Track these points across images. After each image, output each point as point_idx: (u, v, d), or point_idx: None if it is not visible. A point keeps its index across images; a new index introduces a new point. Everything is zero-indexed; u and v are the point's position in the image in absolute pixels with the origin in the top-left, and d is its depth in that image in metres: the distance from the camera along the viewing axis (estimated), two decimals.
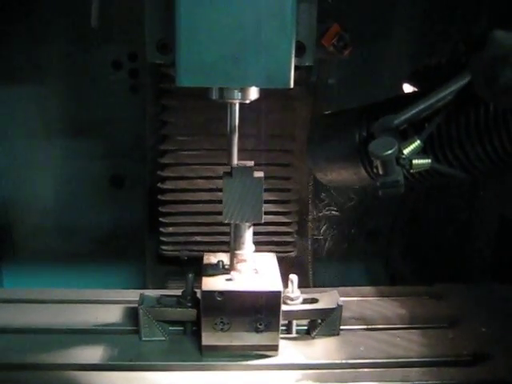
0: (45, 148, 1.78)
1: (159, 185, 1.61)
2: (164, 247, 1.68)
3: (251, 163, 1.28)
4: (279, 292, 1.29)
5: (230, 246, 1.33)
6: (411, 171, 1.12)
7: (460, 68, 1.07)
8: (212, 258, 1.39)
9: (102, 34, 1.37)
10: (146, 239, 1.75)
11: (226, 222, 1.29)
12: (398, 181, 1.08)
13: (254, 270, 1.34)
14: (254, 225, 1.58)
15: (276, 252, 1.63)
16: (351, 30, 1.22)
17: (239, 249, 1.32)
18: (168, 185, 1.61)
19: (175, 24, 1.04)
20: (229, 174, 1.26)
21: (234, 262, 1.33)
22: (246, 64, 1.06)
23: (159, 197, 1.62)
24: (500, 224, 1.83)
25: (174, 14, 1.03)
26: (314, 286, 1.79)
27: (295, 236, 1.72)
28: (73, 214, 1.83)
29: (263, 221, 1.60)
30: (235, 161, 1.28)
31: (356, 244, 1.97)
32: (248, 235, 1.32)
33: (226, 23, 1.03)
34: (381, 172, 1.10)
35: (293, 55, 1.08)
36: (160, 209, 1.63)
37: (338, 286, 1.85)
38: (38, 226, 1.84)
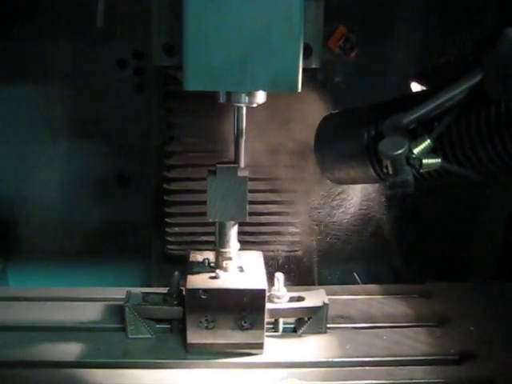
0: (49, 147, 1.78)
1: (165, 186, 1.61)
2: (170, 246, 1.68)
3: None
4: (263, 290, 1.29)
5: (215, 243, 1.34)
6: (421, 171, 1.11)
7: (468, 67, 1.05)
8: (198, 256, 1.39)
9: (107, 32, 1.36)
10: (152, 238, 1.76)
11: (211, 220, 1.29)
12: (407, 180, 1.07)
13: (239, 267, 1.35)
14: (260, 226, 1.62)
15: (282, 251, 1.69)
16: (357, 31, 1.21)
17: (224, 247, 1.32)
18: (174, 186, 1.61)
19: (183, 28, 1.04)
20: (213, 173, 1.26)
21: (219, 259, 1.33)
22: (254, 68, 1.06)
23: (165, 197, 1.62)
24: (507, 223, 1.82)
25: (182, 18, 1.04)
26: (319, 285, 1.77)
27: (301, 235, 1.72)
28: (78, 213, 1.83)
29: (269, 221, 1.65)
30: (242, 163, 1.29)
31: (360, 243, 1.96)
32: (233, 233, 1.32)
33: (234, 27, 1.04)
34: (391, 172, 1.09)
35: (300, 59, 1.07)
36: (166, 209, 1.63)
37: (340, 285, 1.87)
38: (43, 224, 1.84)
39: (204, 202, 1.56)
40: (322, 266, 1.83)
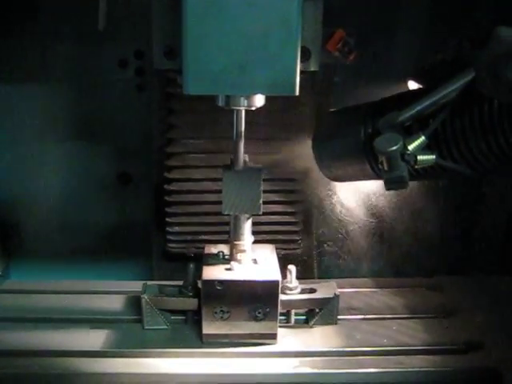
0: (52, 147, 1.76)
1: (166, 186, 1.63)
2: (170, 245, 1.70)
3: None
4: (277, 281, 1.32)
5: (230, 236, 1.37)
6: (416, 167, 1.13)
7: (465, 65, 1.08)
8: (212, 249, 1.43)
9: (108, 33, 1.36)
10: (153, 236, 1.77)
11: (226, 213, 1.32)
12: (402, 176, 1.10)
13: (253, 260, 1.38)
14: (261, 225, 1.62)
15: (282, 249, 1.67)
16: (356, 31, 1.23)
17: (238, 239, 1.36)
18: (174, 186, 1.62)
19: (182, 33, 1.06)
20: (228, 167, 1.30)
21: (234, 252, 1.37)
22: (252, 72, 1.07)
23: (166, 198, 1.64)
24: (508, 222, 1.84)
25: (182, 23, 1.06)
26: None
27: (301, 234, 1.74)
28: (80, 212, 1.83)
29: (270, 220, 1.64)
30: (241, 166, 1.32)
31: (360, 242, 1.97)
32: (247, 226, 1.36)
33: (233, 32, 1.05)
34: (386, 168, 1.11)
35: (298, 63, 1.09)
36: (166, 209, 1.65)
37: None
38: (46, 223, 1.83)
39: (203, 202, 1.61)
40: (322, 265, 1.85)
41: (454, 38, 1.55)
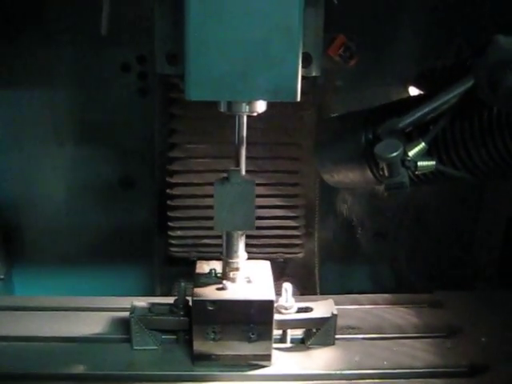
0: (55, 151, 1.79)
1: (168, 190, 1.63)
2: (173, 249, 1.70)
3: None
4: (271, 301, 1.27)
5: (223, 254, 1.32)
6: (416, 173, 1.14)
7: (465, 71, 1.07)
8: (205, 267, 1.37)
9: (111, 37, 1.37)
10: (155, 241, 1.77)
11: (218, 230, 1.27)
12: (403, 182, 1.10)
13: (246, 278, 1.33)
14: (263, 229, 1.62)
15: (284, 253, 1.71)
16: (357, 37, 1.25)
17: (231, 257, 1.31)
18: (176, 191, 1.63)
19: (185, 39, 1.05)
20: (220, 182, 1.25)
21: (227, 270, 1.32)
22: (254, 78, 1.07)
23: (168, 202, 1.64)
24: (507, 226, 1.83)
25: (184, 28, 1.05)
26: (321, 288, 1.81)
27: (302, 238, 1.73)
28: (82, 216, 1.84)
29: (271, 225, 1.65)
30: (243, 171, 1.29)
31: (362, 246, 1.96)
32: (241, 243, 1.30)
33: (234, 38, 1.05)
34: (386, 174, 1.11)
35: (299, 69, 1.09)
36: (169, 213, 1.65)
37: (343, 289, 1.88)
38: (49, 227, 1.85)
39: (206, 207, 1.61)
40: (324, 269, 1.83)
41: (454, 44, 1.56)
